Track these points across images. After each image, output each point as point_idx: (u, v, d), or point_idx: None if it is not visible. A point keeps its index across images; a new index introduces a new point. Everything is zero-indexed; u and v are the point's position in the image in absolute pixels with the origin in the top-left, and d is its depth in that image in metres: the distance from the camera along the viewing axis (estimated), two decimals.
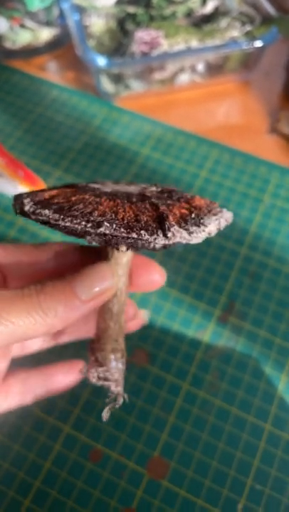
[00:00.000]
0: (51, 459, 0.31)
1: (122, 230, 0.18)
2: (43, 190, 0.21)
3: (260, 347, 0.35)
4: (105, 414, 0.22)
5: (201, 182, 0.45)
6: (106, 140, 0.48)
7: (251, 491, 0.30)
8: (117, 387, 0.23)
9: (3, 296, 0.18)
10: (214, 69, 0.51)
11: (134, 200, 0.20)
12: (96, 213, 0.19)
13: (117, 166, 0.46)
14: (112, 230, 0.18)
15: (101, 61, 0.45)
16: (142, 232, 0.18)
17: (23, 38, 0.53)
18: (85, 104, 0.51)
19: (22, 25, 0.52)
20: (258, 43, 0.47)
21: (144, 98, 0.52)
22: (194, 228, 0.20)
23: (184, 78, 0.51)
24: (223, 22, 0.49)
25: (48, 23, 0.53)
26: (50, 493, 0.30)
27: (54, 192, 0.21)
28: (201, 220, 0.20)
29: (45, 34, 0.54)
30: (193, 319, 0.37)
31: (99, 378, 0.23)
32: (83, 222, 0.18)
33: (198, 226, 0.20)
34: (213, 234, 0.20)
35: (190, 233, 0.19)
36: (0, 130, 0.49)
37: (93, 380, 0.23)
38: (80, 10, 0.50)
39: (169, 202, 0.21)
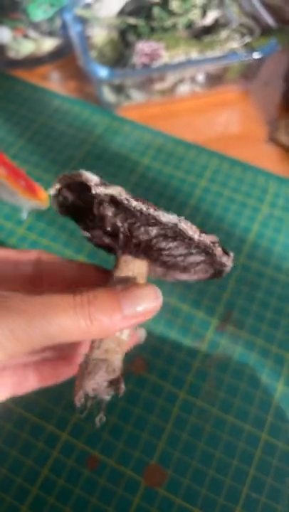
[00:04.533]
0: (48, 465, 0.31)
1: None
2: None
3: (256, 355, 0.36)
4: (99, 421, 0.21)
5: (200, 191, 0.45)
6: (107, 149, 0.49)
7: (247, 499, 0.30)
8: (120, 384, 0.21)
9: (56, 301, 0.19)
10: (214, 79, 0.52)
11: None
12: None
13: (118, 175, 0.47)
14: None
15: (103, 72, 0.45)
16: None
17: (26, 48, 0.54)
18: (86, 113, 0.52)
19: (25, 36, 0.53)
20: (257, 55, 0.47)
21: (145, 108, 0.53)
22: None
23: (184, 88, 0.52)
24: (223, 33, 0.50)
25: (50, 34, 0.54)
26: (48, 499, 0.30)
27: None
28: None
29: (48, 44, 0.55)
30: (191, 328, 0.37)
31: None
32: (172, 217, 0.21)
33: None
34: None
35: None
36: (2, 139, 0.49)
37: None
38: (82, 21, 0.51)
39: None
